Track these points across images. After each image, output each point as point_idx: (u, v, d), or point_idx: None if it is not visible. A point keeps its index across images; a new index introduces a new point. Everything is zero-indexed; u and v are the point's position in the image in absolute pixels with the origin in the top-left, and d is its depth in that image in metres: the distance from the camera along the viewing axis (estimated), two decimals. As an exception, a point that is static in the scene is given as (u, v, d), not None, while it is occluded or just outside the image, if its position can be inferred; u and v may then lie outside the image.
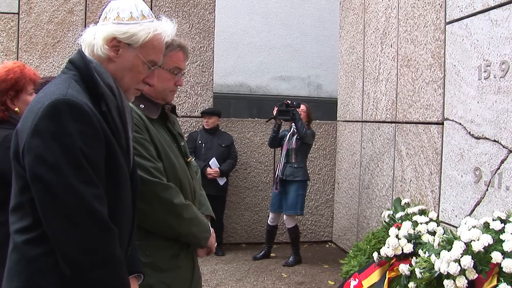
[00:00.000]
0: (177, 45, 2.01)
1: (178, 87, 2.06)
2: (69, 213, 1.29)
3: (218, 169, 5.90)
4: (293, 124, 5.55)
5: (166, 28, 1.58)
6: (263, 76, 10.31)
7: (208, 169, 5.87)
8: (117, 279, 1.37)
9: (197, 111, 6.32)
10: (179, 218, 1.94)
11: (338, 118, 6.63)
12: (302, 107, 5.67)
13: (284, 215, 5.67)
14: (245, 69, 10.18)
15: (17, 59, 5.95)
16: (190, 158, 2.16)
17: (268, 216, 5.89)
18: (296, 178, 5.54)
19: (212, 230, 2.15)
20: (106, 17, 1.51)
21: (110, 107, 1.42)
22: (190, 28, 6.33)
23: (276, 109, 5.53)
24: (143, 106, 1.97)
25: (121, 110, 1.47)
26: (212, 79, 6.49)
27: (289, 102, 5.53)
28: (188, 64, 6.27)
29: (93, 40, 1.48)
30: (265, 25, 10.16)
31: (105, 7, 1.55)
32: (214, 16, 6.47)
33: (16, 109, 2.29)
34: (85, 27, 6.22)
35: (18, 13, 5.97)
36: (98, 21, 1.55)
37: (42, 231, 1.32)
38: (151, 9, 6.12)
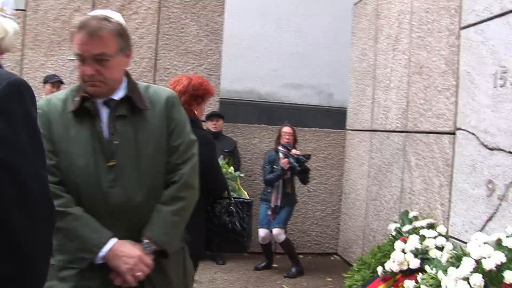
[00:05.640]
0: (77, 25, 1.72)
1: (90, 77, 1.73)
2: (33, 201, 1.12)
3: None
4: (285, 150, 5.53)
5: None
6: (273, 83, 10.16)
7: None
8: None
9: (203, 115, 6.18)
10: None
11: (347, 127, 6.45)
12: (288, 129, 5.69)
13: (273, 231, 5.49)
14: (255, 75, 10.04)
15: (22, 56, 5.90)
16: (110, 163, 1.74)
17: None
18: (289, 203, 5.64)
19: (145, 257, 1.71)
20: None
21: None
22: (198, 30, 6.22)
23: (286, 160, 5.40)
24: (77, 98, 1.79)
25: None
26: (219, 83, 6.35)
27: (298, 154, 5.44)
28: (194, 67, 6.16)
29: None
30: (276, 32, 10.03)
31: None
32: (223, 18, 6.35)
33: (196, 112, 2.83)
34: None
35: (25, 10, 5.92)
36: None
37: None
38: (159, 10, 6.07)
